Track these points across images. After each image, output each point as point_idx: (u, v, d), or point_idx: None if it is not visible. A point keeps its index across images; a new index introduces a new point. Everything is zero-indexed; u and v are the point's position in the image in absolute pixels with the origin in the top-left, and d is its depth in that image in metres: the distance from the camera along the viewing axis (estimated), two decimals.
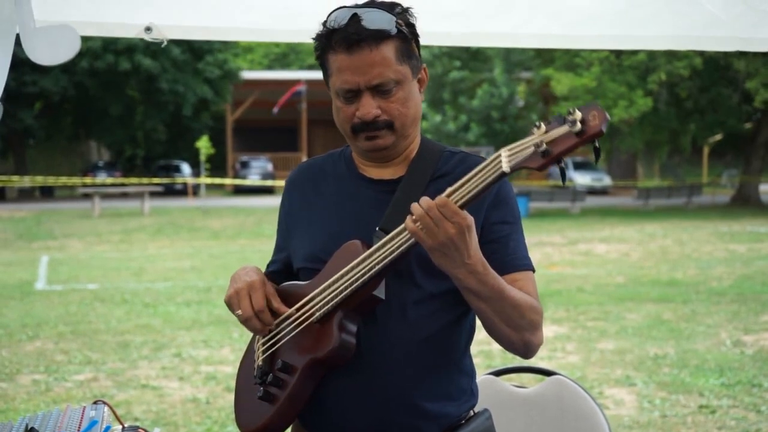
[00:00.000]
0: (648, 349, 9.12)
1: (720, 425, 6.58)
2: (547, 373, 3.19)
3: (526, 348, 2.18)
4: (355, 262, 2.09)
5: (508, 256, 2.20)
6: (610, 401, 7.21)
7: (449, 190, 1.93)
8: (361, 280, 2.08)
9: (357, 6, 2.15)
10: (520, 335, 2.13)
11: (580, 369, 8.24)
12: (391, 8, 2.15)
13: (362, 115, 2.14)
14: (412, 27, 2.18)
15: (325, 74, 2.21)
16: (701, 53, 29.08)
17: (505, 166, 1.84)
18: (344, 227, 2.21)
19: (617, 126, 32.60)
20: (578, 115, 1.74)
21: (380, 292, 2.11)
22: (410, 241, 2.00)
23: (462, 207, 1.92)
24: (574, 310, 11.38)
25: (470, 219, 1.94)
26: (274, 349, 2.26)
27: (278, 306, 2.23)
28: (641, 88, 30.72)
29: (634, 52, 30.03)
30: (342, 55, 2.12)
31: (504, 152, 1.85)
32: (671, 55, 29.22)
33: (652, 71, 30.24)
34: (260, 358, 2.30)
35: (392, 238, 2.04)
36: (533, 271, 2.24)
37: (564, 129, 1.76)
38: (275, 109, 42.30)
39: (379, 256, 2.05)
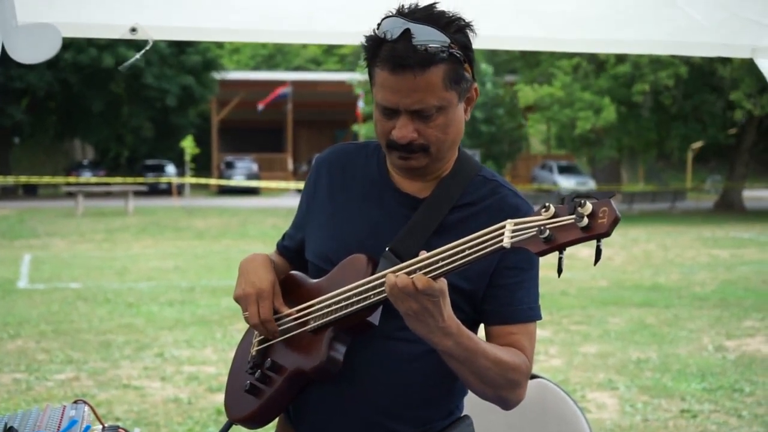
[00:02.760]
0: (630, 353, 9.15)
1: (701, 430, 6.61)
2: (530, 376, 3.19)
3: (502, 404, 2.17)
4: (356, 285, 2.07)
5: (512, 305, 2.16)
6: (593, 405, 7.23)
7: (443, 250, 1.90)
8: (356, 307, 2.06)
9: (414, 12, 2.06)
10: (495, 392, 2.11)
11: (562, 372, 8.26)
12: (447, 25, 2.05)
13: (398, 137, 2.07)
14: (466, 48, 2.08)
15: (371, 80, 2.12)
16: (687, 61, 29.15)
17: (506, 242, 1.80)
18: (360, 234, 2.18)
19: (586, 135, 32.62)
20: (588, 208, 1.68)
21: (374, 318, 2.10)
22: None
23: (456, 269, 1.88)
24: (557, 313, 11.39)
25: (444, 286, 1.91)
26: (268, 344, 2.27)
27: (279, 306, 2.22)
28: (620, 97, 30.72)
29: (617, 62, 30.11)
30: (386, 72, 2.04)
31: (509, 225, 1.80)
32: (656, 63, 29.27)
33: (638, 80, 30.29)
34: (255, 348, 2.31)
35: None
36: (538, 319, 2.20)
37: (570, 220, 1.70)
38: (260, 106, 42.24)
39: (379, 288, 2.01)
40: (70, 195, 32.70)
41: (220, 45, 44.12)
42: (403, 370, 2.17)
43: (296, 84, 44.89)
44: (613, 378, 8.09)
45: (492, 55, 34.00)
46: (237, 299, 2.26)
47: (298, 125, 48.24)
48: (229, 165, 44.24)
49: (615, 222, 1.66)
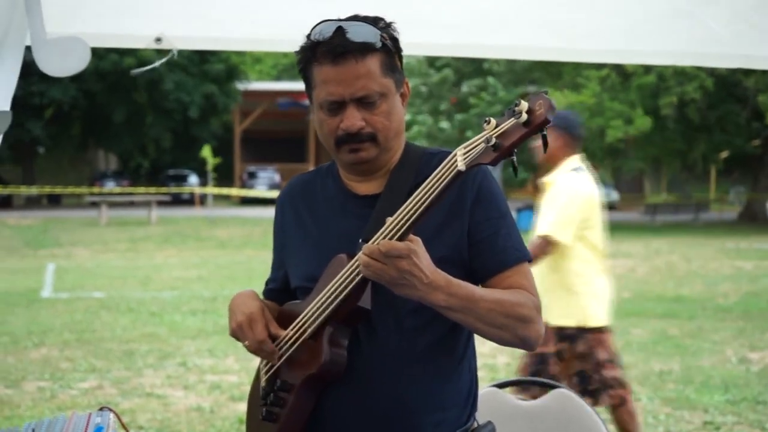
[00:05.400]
0: (653, 364, 9.11)
1: None
2: (551, 386, 3.20)
3: (522, 343, 2.18)
4: (338, 276, 2.11)
5: (497, 254, 2.20)
6: None
7: (407, 204, 1.96)
8: (344, 293, 2.10)
9: (341, 19, 2.16)
10: (511, 333, 2.13)
11: None
12: (375, 22, 2.17)
13: (346, 127, 2.14)
14: (395, 41, 2.20)
15: (309, 87, 2.21)
16: (712, 73, 28.99)
17: (461, 165, 1.86)
18: (335, 245, 2.22)
19: (615, 145, 32.44)
20: (524, 105, 1.77)
21: (365, 302, 2.12)
22: None
23: (424, 213, 1.94)
24: None
25: (414, 244, 1.96)
26: (274, 369, 2.29)
27: (275, 331, 2.25)
28: (644, 108, 30.56)
29: (644, 73, 29.93)
30: (327, 67, 2.12)
31: (459, 151, 1.88)
32: (681, 75, 29.11)
33: (663, 92, 30.12)
34: (263, 379, 2.34)
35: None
36: (528, 260, 2.24)
37: (512, 121, 1.80)
38: (280, 101, 42.30)
39: (357, 269, 2.05)
40: (94, 205, 32.93)
41: (242, 55, 44.27)
42: (414, 359, 2.21)
43: None
44: (635, 389, 8.03)
45: (511, 63, 33.80)
46: (233, 334, 2.28)
47: None
48: (252, 175, 44.37)
49: (551, 108, 1.76)
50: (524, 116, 1.77)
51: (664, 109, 30.17)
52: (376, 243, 1.96)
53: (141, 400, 7.62)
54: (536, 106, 1.77)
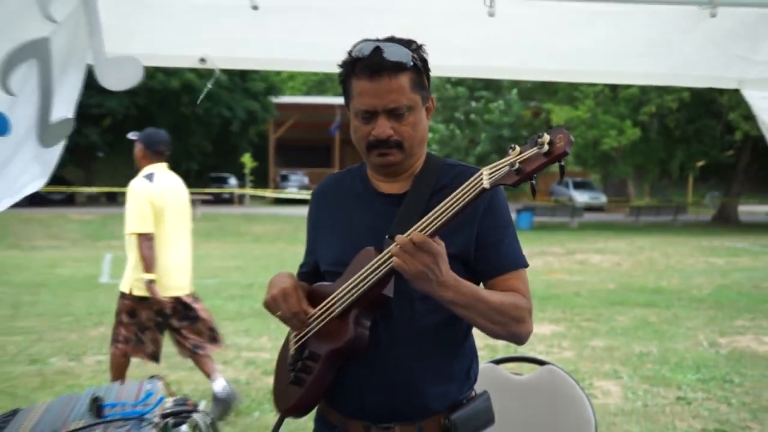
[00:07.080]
0: (634, 347, 9.10)
1: (695, 415, 6.58)
2: (541, 362, 3.23)
3: (514, 338, 2.23)
4: (367, 266, 2.14)
5: (501, 259, 2.25)
6: (599, 391, 7.21)
7: (434, 211, 1.99)
8: (371, 282, 2.13)
9: (379, 40, 2.20)
10: (505, 329, 2.18)
11: (573, 363, 8.24)
12: (408, 44, 2.21)
13: (377, 134, 2.19)
14: (425, 62, 2.24)
15: (347, 97, 2.26)
16: (689, 88, 28.90)
17: (486, 183, 1.89)
18: (360, 236, 2.26)
19: (609, 153, 32.33)
20: (546, 138, 1.80)
21: (389, 291, 2.16)
22: None
23: (449, 221, 1.97)
24: (570, 311, 11.35)
25: (442, 248, 2.00)
26: (303, 340, 2.34)
27: (306, 308, 2.29)
28: (631, 120, 30.53)
29: (628, 86, 29.87)
30: (364, 81, 2.16)
31: (485, 171, 1.91)
32: (662, 89, 29.05)
33: (645, 104, 30.07)
34: (293, 348, 2.38)
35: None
36: (525, 266, 2.29)
37: (534, 150, 1.82)
38: (333, 129, 42.27)
39: (387, 261, 2.09)
40: None
41: (278, 73, 44.41)
42: (424, 338, 2.26)
43: (343, 108, 44.83)
44: (618, 368, 8.06)
45: (515, 83, 33.76)
46: (266, 305, 2.32)
47: (345, 143, 48.43)
48: (284, 178, 44.44)
49: (570, 143, 1.79)
50: (546, 147, 1.80)
51: (643, 116, 30.09)
52: (408, 236, 2.00)
53: (186, 373, 7.67)
54: (557, 140, 1.80)
